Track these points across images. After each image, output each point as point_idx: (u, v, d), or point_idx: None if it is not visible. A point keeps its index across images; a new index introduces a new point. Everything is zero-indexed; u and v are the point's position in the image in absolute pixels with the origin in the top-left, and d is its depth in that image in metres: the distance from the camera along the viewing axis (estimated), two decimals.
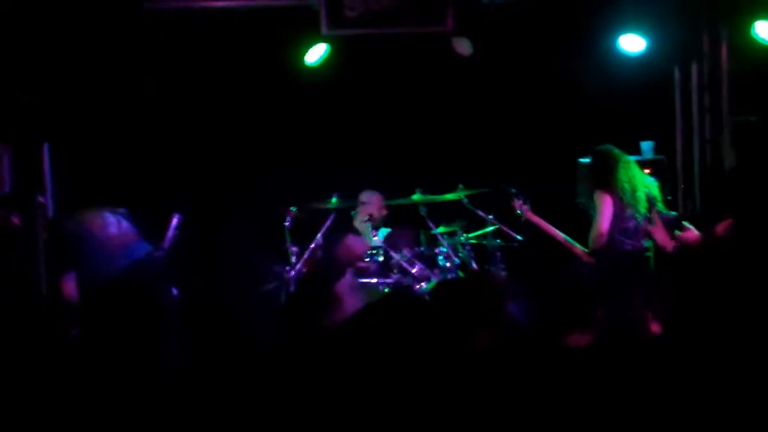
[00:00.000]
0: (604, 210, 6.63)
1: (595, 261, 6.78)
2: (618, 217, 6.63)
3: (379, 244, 7.81)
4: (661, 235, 6.62)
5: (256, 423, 4.93)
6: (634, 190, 6.68)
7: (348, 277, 7.37)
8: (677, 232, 6.47)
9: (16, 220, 6.96)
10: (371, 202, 8.00)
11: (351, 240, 7.57)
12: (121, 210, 6.25)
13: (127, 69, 8.25)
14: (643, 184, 6.80)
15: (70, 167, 7.79)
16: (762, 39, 8.00)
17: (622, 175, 6.68)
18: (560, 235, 7.19)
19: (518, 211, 7.45)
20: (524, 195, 7.49)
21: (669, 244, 6.57)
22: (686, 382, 3.86)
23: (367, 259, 7.73)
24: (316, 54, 8.40)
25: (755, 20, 7.99)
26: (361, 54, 8.65)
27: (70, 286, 6.06)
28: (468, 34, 8.42)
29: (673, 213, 7.19)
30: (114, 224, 6.13)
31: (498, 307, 4.21)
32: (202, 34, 8.23)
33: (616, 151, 6.88)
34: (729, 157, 8.01)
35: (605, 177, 6.71)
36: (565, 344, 4.14)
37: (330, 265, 7.36)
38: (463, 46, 8.47)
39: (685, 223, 6.52)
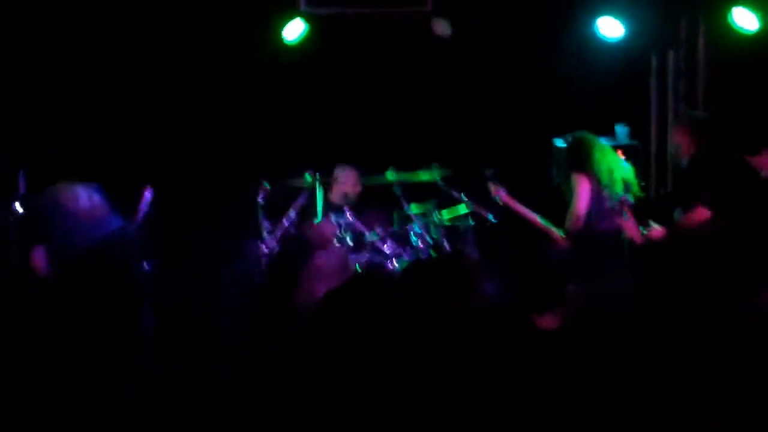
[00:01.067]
0: (582, 192, 6.64)
1: (571, 244, 6.80)
2: (595, 199, 6.65)
3: (352, 221, 7.77)
4: (632, 228, 6.65)
5: (227, 399, 4.92)
6: (611, 172, 6.70)
7: (335, 255, 7.38)
8: (644, 231, 6.54)
9: None
10: (346, 178, 7.95)
11: (321, 223, 7.59)
12: (93, 184, 6.23)
13: (95, 46, 8.22)
14: (620, 167, 6.82)
15: (42, 142, 7.75)
16: (739, 27, 8.01)
17: (599, 157, 6.70)
18: (536, 218, 7.19)
19: (495, 195, 7.44)
20: (500, 178, 7.47)
21: (639, 238, 6.61)
22: (656, 362, 3.89)
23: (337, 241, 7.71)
24: (294, 31, 8.35)
25: (732, 7, 8.00)
26: (339, 33, 8.61)
27: (39, 259, 6.04)
28: (447, 16, 8.40)
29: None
30: (85, 198, 6.12)
31: (471, 286, 4.21)
32: (177, 10, 8.19)
33: (592, 135, 6.90)
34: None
35: (582, 159, 6.72)
36: (536, 325, 4.16)
37: (300, 247, 7.38)
38: (443, 27, 8.45)
39: (650, 222, 6.57)
